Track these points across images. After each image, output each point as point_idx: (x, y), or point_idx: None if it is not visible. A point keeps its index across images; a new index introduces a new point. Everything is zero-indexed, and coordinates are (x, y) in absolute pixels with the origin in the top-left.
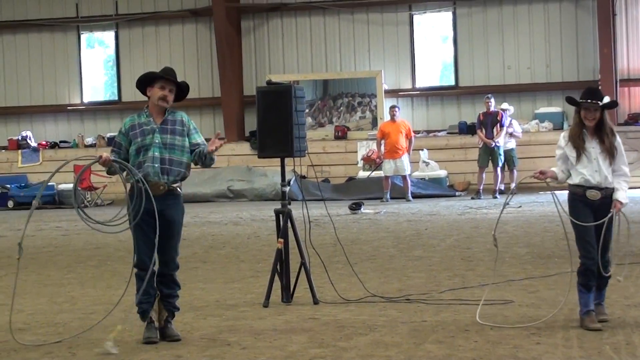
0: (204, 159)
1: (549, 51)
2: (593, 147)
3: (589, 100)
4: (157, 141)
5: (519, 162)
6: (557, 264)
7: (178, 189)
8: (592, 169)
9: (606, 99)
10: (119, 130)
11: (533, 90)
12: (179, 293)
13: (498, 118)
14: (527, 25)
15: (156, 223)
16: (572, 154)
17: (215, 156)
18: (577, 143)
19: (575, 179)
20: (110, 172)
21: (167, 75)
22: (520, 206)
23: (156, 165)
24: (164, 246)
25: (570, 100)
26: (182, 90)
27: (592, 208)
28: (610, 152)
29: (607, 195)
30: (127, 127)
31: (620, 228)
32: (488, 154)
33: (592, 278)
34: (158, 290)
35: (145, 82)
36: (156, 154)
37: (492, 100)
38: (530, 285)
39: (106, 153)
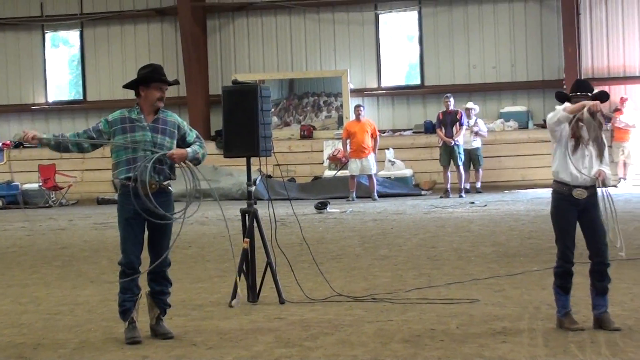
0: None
1: (514, 50)
2: (588, 144)
3: (578, 93)
4: (148, 139)
5: (484, 161)
6: (523, 262)
7: (169, 187)
8: (582, 165)
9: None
10: (105, 118)
11: (498, 90)
12: (170, 290)
13: (457, 117)
14: (492, 25)
15: (146, 222)
16: (570, 142)
17: (199, 157)
18: (577, 132)
19: (561, 175)
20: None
21: (164, 77)
22: (485, 205)
23: (148, 164)
24: (157, 244)
25: (560, 95)
26: None
27: (577, 208)
28: (600, 147)
29: (593, 194)
30: (116, 118)
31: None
32: (448, 152)
33: (569, 280)
34: (149, 287)
35: (139, 81)
36: (147, 152)
37: (451, 99)
38: (495, 284)
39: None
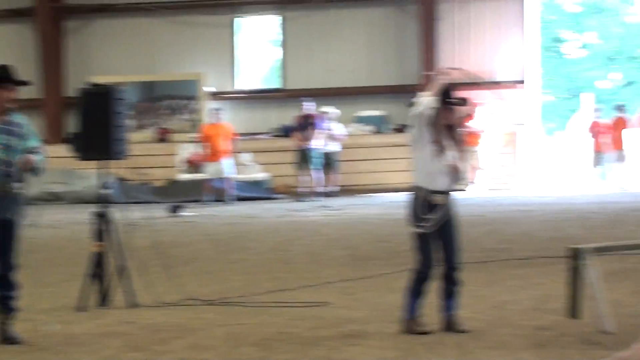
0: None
1: (372, 55)
2: (448, 149)
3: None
4: (1, 142)
5: (340, 165)
6: (375, 265)
7: (19, 191)
8: (442, 171)
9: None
10: None
11: (355, 94)
12: (17, 294)
13: (313, 120)
14: (351, 30)
15: None
16: (431, 146)
17: (40, 167)
18: (440, 137)
19: (419, 180)
20: None
21: (14, 77)
22: (340, 209)
23: (2, 167)
24: (6, 247)
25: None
26: None
27: (434, 212)
28: (461, 153)
29: (449, 200)
30: None
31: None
32: (303, 156)
33: (425, 284)
34: None
35: None
36: (1, 155)
37: (308, 103)
38: (347, 287)
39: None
